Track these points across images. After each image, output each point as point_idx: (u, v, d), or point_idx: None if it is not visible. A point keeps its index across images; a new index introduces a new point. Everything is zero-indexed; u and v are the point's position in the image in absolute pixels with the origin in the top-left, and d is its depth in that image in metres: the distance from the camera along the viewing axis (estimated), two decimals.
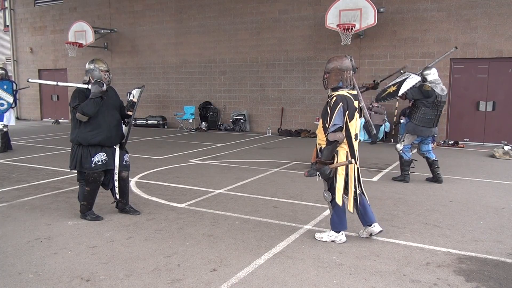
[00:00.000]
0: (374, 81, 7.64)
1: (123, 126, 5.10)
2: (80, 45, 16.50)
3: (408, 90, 6.67)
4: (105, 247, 4.09)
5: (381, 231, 4.31)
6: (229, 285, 3.33)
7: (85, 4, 17.91)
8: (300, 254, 3.95)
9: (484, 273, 3.57)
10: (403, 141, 7.03)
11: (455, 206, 5.63)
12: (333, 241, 4.24)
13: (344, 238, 4.25)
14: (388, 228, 4.70)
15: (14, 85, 9.98)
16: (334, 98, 4.05)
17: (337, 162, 4.11)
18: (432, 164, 7.00)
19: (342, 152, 4.12)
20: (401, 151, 7.01)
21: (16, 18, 20.09)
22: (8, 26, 20.87)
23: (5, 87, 9.62)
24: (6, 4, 20.62)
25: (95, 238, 4.33)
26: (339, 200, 4.15)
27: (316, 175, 4.15)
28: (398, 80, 6.96)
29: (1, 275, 3.49)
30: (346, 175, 4.18)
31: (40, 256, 3.88)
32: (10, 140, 10.25)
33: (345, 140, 4.08)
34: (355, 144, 4.17)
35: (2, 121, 9.74)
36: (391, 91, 6.85)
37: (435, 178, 7.03)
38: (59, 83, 5.01)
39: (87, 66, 4.90)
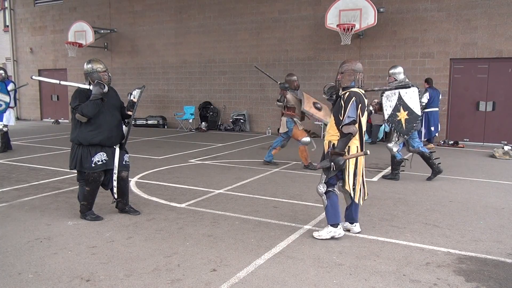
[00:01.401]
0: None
1: (123, 126, 5.10)
2: (80, 45, 16.49)
3: (421, 102, 6.80)
4: (105, 247, 4.09)
5: (359, 232, 4.50)
6: (229, 285, 3.33)
7: (85, 4, 17.90)
8: (300, 254, 3.95)
9: (484, 273, 3.57)
10: (398, 140, 7.05)
11: (455, 206, 5.63)
12: (332, 236, 4.28)
13: (342, 232, 4.32)
14: (388, 228, 4.70)
15: (12, 84, 9.93)
16: (347, 93, 4.20)
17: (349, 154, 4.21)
18: (429, 158, 7.04)
19: (353, 147, 4.23)
20: (396, 151, 7.04)
21: (16, 18, 20.09)
22: (8, 26, 20.87)
23: None
24: (6, 4, 20.61)
25: (95, 238, 4.33)
26: (349, 188, 4.24)
27: (330, 166, 4.18)
28: (394, 103, 6.82)
29: (1, 275, 3.49)
30: (356, 167, 4.26)
31: (40, 256, 3.88)
32: (10, 140, 10.25)
33: (357, 135, 4.20)
34: (363, 139, 4.32)
35: (2, 121, 9.75)
36: (407, 117, 6.76)
37: (436, 170, 7.07)
38: (62, 82, 5.00)
39: (84, 67, 4.86)
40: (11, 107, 9.94)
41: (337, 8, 12.12)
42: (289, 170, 8.00)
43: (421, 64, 12.12)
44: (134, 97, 5.04)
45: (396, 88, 6.58)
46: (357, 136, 4.22)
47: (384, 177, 7.36)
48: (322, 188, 4.29)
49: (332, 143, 4.26)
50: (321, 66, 13.54)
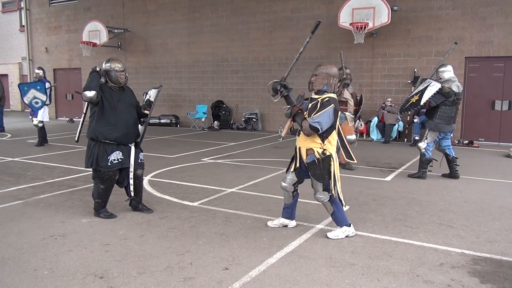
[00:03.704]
0: None
1: (139, 125, 5.17)
2: (94, 44, 16.67)
3: (430, 98, 6.79)
4: (118, 245, 4.13)
5: (295, 226, 4.67)
6: (241, 284, 3.33)
7: (99, 4, 18.07)
8: (312, 253, 3.94)
9: (500, 275, 3.52)
10: (426, 139, 7.17)
11: (469, 206, 5.56)
12: (347, 235, 4.33)
13: (354, 230, 4.41)
14: (401, 228, 4.67)
15: (47, 83, 10.64)
16: (327, 98, 4.22)
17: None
18: (452, 161, 7.21)
19: (332, 151, 4.28)
20: (424, 150, 7.14)
21: (31, 18, 20.36)
22: (24, 26, 21.19)
23: (38, 87, 10.39)
24: (22, 5, 20.93)
25: (108, 236, 4.37)
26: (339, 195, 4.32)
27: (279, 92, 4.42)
28: (420, 88, 7.03)
29: (17, 271, 3.55)
30: (336, 171, 4.33)
31: (55, 253, 3.94)
32: (47, 135, 10.94)
33: (330, 141, 4.24)
34: (334, 142, 4.35)
35: (37, 117, 10.49)
36: (414, 101, 6.95)
37: (452, 174, 7.23)
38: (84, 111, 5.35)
39: (103, 66, 4.96)
40: (46, 105, 10.57)
41: (350, 7, 12.05)
42: None
43: (436, 63, 11.94)
44: (150, 97, 5.13)
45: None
46: (332, 143, 4.27)
47: (410, 175, 7.34)
48: (324, 196, 4.30)
49: (316, 152, 4.20)
50: (334, 65, 13.45)
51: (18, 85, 10.77)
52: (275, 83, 4.48)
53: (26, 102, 10.42)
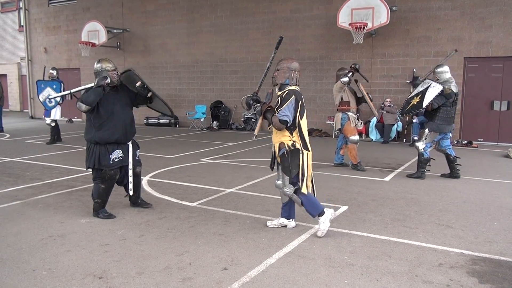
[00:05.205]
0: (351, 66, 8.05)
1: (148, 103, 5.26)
2: (93, 44, 16.66)
3: (433, 100, 6.79)
4: (117, 245, 4.13)
5: (295, 227, 4.64)
6: (240, 284, 3.33)
7: (98, 4, 18.06)
8: (311, 253, 3.94)
9: (498, 275, 3.53)
10: (425, 139, 7.14)
11: (468, 206, 5.57)
12: (330, 220, 4.35)
13: (332, 211, 4.42)
14: (400, 228, 4.67)
15: (62, 85, 10.94)
16: (286, 91, 4.34)
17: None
18: (453, 161, 7.20)
19: (291, 142, 4.33)
20: (423, 150, 7.12)
21: (30, 18, 20.35)
22: (22, 26, 21.18)
23: (54, 87, 10.70)
24: (21, 5, 20.91)
25: (107, 236, 4.37)
26: (305, 189, 4.34)
27: (252, 106, 4.59)
28: (421, 89, 7.02)
29: (16, 272, 3.54)
30: (305, 164, 4.37)
31: (54, 253, 3.93)
32: (60, 133, 11.35)
33: (297, 132, 4.32)
34: (306, 137, 4.42)
35: (49, 116, 10.81)
36: (415, 102, 6.95)
37: (453, 174, 7.22)
38: (72, 91, 5.22)
39: (94, 66, 4.98)
40: (59, 104, 10.88)
41: (349, 7, 12.05)
42: None
43: (434, 63, 11.93)
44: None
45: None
46: (298, 136, 4.32)
47: (409, 175, 7.32)
48: (290, 189, 4.37)
49: (286, 144, 4.30)
50: (333, 65, 13.46)
51: (36, 81, 11.09)
52: (248, 98, 4.65)
53: (41, 99, 10.72)
